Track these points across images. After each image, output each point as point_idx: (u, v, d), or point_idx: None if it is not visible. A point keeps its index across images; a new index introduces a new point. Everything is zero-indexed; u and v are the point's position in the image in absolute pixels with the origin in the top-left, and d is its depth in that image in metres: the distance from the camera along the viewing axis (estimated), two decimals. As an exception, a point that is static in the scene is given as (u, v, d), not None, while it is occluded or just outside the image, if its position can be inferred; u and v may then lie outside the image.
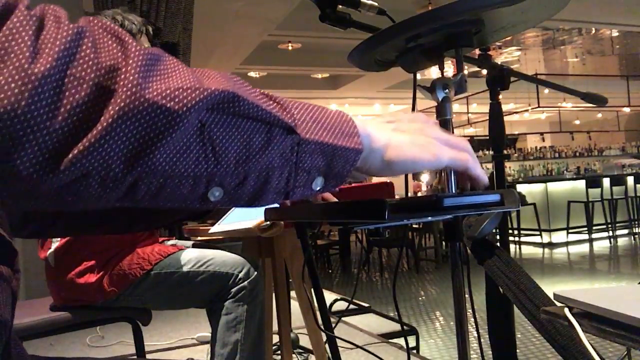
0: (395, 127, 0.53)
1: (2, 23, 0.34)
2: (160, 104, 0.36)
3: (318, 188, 0.46)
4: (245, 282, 1.52)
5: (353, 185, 1.30)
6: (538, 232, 8.19)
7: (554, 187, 8.41)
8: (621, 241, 7.94)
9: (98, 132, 0.35)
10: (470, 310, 0.94)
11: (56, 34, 0.35)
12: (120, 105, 0.35)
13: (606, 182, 8.14)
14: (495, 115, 1.27)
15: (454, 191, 0.61)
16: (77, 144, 0.35)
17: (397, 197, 1.14)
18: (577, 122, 15.74)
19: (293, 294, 1.75)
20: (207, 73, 0.42)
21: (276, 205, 0.80)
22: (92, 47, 0.36)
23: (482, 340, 1.02)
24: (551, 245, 7.95)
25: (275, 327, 1.73)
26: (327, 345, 1.70)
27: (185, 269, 1.53)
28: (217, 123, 0.40)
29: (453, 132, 0.81)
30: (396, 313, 1.36)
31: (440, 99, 0.76)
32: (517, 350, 1.22)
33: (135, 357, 2.07)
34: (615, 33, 9.00)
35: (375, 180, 1.23)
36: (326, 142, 0.44)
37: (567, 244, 7.86)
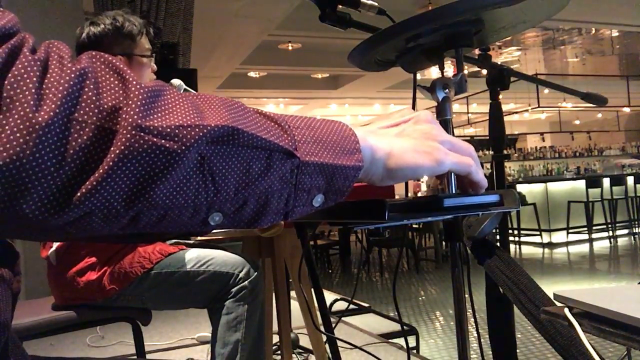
0: (400, 132, 0.52)
1: (8, 69, 0.34)
2: (160, 144, 0.37)
3: (318, 205, 0.46)
4: (246, 282, 1.52)
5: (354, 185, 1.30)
6: (538, 232, 8.19)
7: (554, 187, 8.40)
8: (621, 241, 7.94)
9: (100, 175, 0.36)
10: (470, 310, 0.94)
11: (60, 77, 0.36)
12: (121, 148, 0.36)
13: (606, 182, 8.14)
14: (495, 115, 1.27)
15: (454, 191, 0.61)
16: (80, 187, 0.36)
17: (397, 197, 1.14)
18: (577, 122, 15.74)
19: (293, 294, 1.75)
20: (209, 101, 0.42)
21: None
22: (95, 89, 0.37)
23: (482, 340, 1.02)
24: (551, 245, 7.95)
25: (275, 327, 1.73)
26: (327, 345, 1.70)
27: (185, 268, 1.54)
28: (217, 155, 0.40)
29: (453, 133, 0.81)
30: (396, 313, 1.36)
31: (440, 99, 0.76)
32: (517, 350, 1.22)
33: (135, 357, 2.07)
34: (615, 33, 9.00)
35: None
36: (326, 162, 0.45)
37: (567, 244, 7.86)
